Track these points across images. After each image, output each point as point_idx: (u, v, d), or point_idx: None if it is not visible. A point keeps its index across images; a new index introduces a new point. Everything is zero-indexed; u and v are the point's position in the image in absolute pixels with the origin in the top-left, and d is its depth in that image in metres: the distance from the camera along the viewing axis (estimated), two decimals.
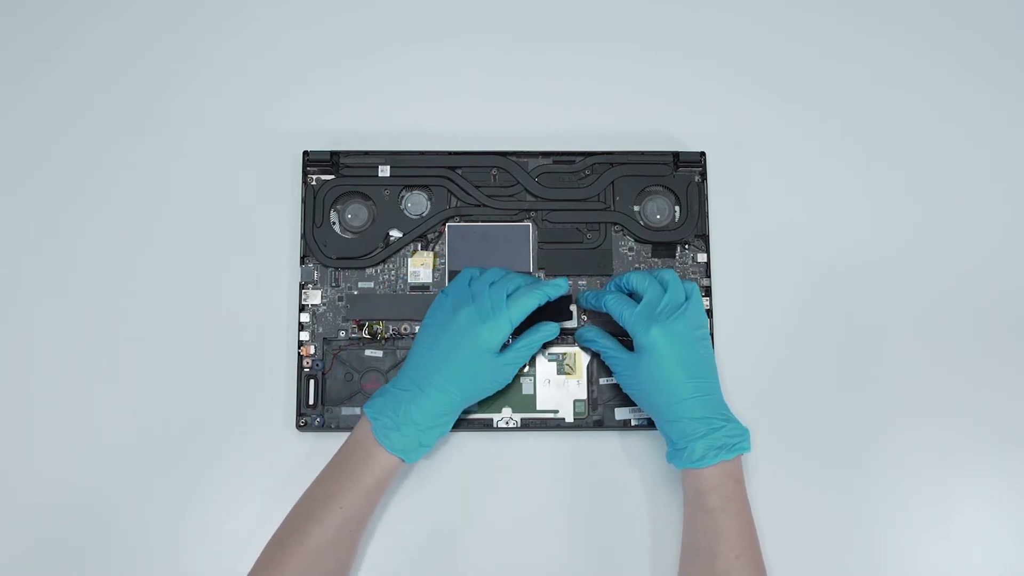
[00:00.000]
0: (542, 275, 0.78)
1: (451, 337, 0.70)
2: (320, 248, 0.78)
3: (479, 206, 0.79)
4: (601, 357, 0.75)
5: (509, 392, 0.77)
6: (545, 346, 0.77)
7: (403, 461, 0.70)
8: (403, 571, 0.75)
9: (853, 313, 0.79)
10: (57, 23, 0.83)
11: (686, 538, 0.71)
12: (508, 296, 0.72)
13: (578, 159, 0.80)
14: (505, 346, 0.72)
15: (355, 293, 0.78)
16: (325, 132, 0.81)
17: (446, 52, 0.83)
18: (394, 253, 0.79)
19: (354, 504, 0.69)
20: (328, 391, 0.77)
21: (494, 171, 0.80)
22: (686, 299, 0.72)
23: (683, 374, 0.70)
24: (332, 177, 0.79)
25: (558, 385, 0.77)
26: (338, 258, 0.78)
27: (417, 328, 0.77)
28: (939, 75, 0.83)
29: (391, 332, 0.77)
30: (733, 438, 0.70)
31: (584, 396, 0.77)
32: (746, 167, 0.81)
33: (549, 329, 0.74)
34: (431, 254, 0.79)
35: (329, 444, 0.76)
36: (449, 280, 0.78)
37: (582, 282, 0.79)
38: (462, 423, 0.76)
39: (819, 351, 0.79)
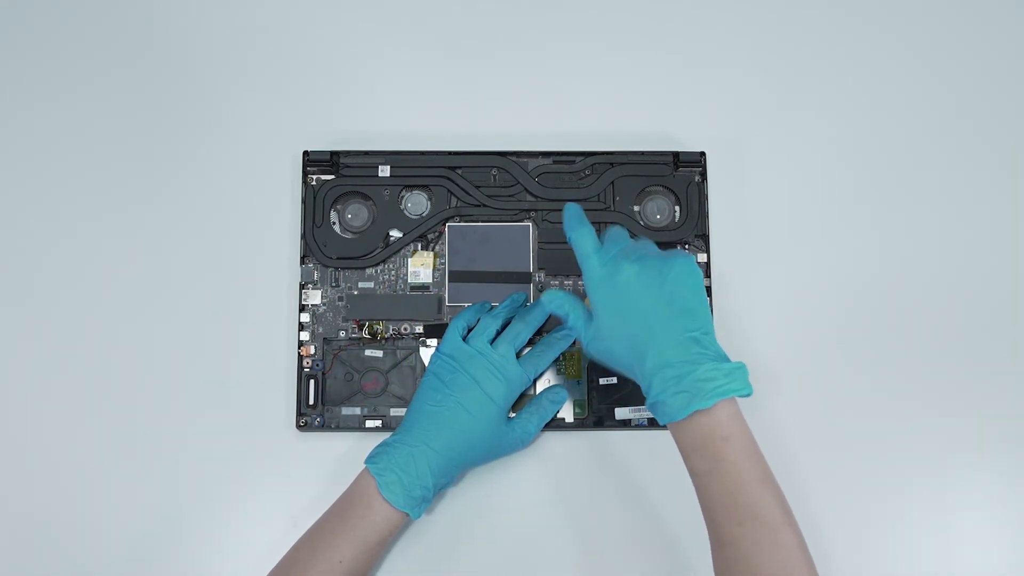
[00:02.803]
0: (542, 275, 0.78)
1: (462, 398, 0.71)
2: (320, 248, 0.78)
3: (479, 206, 0.79)
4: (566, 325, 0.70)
5: None
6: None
7: (408, 516, 0.69)
8: (401, 566, 0.75)
9: (853, 314, 0.79)
10: (54, 23, 0.83)
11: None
12: (517, 352, 0.73)
13: (578, 159, 0.80)
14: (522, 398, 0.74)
15: (355, 293, 0.78)
16: (325, 132, 0.81)
17: (446, 52, 0.83)
18: (394, 253, 0.79)
19: (355, 559, 0.68)
20: (328, 391, 0.77)
21: (494, 171, 0.80)
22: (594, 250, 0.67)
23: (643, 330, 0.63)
24: (332, 177, 0.79)
25: None
26: (338, 258, 0.78)
27: (418, 328, 0.77)
28: (939, 76, 0.83)
29: (391, 332, 0.77)
30: (703, 381, 0.60)
31: (584, 396, 0.77)
32: (746, 167, 0.81)
33: (558, 396, 0.75)
34: (431, 254, 0.79)
35: (329, 444, 0.76)
36: (449, 282, 0.78)
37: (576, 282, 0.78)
38: None
39: (819, 352, 0.79)
